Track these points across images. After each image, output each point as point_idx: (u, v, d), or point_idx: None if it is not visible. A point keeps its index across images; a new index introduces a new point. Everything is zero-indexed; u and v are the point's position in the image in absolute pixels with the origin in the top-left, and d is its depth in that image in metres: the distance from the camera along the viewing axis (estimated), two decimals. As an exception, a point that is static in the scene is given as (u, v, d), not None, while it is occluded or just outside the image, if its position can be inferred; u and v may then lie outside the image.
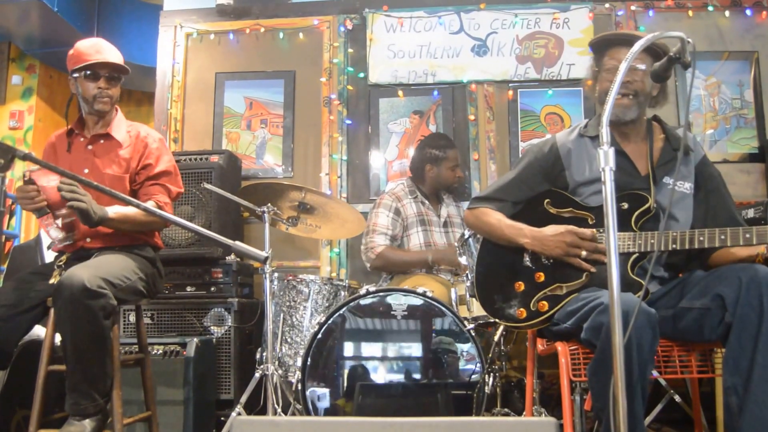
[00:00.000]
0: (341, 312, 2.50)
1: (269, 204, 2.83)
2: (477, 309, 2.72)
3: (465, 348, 2.45)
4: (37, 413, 2.00)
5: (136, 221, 2.27)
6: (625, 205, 1.89)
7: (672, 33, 1.55)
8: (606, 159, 1.41)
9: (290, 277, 2.95)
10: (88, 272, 1.98)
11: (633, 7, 3.92)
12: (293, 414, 2.77)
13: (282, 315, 2.92)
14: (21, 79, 5.42)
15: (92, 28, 5.04)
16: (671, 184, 1.93)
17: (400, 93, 3.99)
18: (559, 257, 1.90)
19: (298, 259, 3.91)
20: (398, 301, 2.51)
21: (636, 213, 1.88)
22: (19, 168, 3.77)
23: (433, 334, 2.47)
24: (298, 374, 2.52)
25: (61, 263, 2.27)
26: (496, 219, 2.03)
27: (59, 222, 2.15)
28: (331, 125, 4.01)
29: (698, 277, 1.83)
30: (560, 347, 1.83)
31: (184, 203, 3.31)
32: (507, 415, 2.67)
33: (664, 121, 2.09)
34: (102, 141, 2.40)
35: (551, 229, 1.92)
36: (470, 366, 2.42)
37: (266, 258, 1.87)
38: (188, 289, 3.25)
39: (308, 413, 2.41)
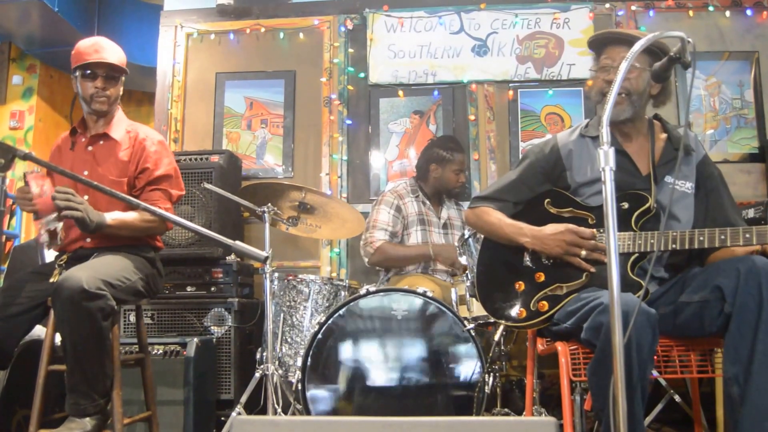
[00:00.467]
0: (341, 312, 2.50)
1: (269, 204, 2.83)
2: (477, 309, 2.72)
3: (465, 348, 2.44)
4: (38, 413, 2.00)
5: (134, 227, 2.26)
6: (626, 205, 1.89)
7: (672, 33, 1.55)
8: (606, 159, 1.41)
9: (290, 277, 2.95)
10: (86, 274, 1.98)
11: (633, 7, 3.92)
12: (293, 414, 2.77)
13: (282, 315, 2.92)
14: (21, 79, 5.41)
15: (93, 28, 5.04)
16: (672, 183, 1.92)
17: (401, 93, 3.99)
18: (559, 256, 1.90)
19: (299, 259, 3.91)
20: (398, 301, 2.51)
21: (636, 213, 1.88)
22: (20, 168, 3.78)
23: (433, 335, 2.47)
24: (298, 374, 2.51)
25: (61, 263, 2.27)
26: (497, 218, 2.03)
27: (47, 228, 2.12)
28: (331, 125, 4.01)
29: (696, 272, 1.83)
30: (560, 347, 1.83)
31: (185, 203, 3.31)
32: (507, 414, 2.67)
33: (665, 120, 2.08)
34: (101, 141, 2.39)
35: (551, 228, 1.92)
36: (470, 366, 2.42)
37: (266, 258, 1.88)
38: (188, 289, 3.25)
39: (308, 413, 2.41)
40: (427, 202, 3.39)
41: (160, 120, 4.10)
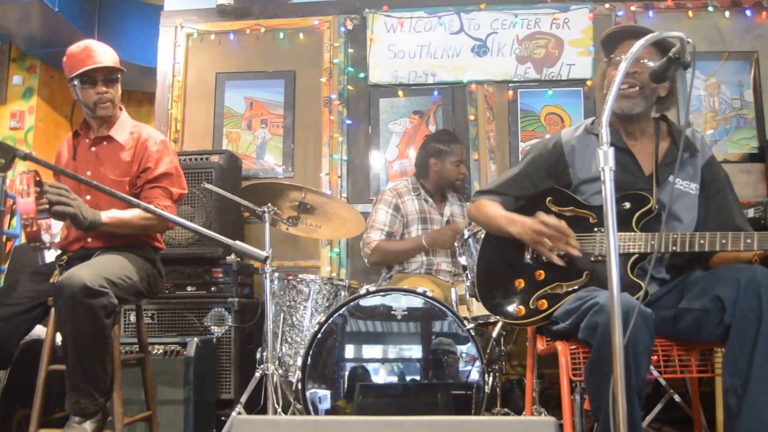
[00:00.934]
0: (341, 312, 2.50)
1: (269, 204, 2.84)
2: (477, 309, 2.73)
3: (465, 348, 2.45)
4: (38, 412, 2.00)
5: (133, 225, 2.26)
6: (627, 205, 1.88)
7: (672, 33, 1.55)
8: (605, 159, 1.41)
9: (290, 277, 2.96)
10: (89, 272, 1.98)
11: (633, 8, 3.93)
12: (293, 414, 2.77)
13: (282, 315, 2.92)
14: (22, 80, 5.41)
15: (93, 28, 5.04)
16: (676, 184, 1.91)
17: (400, 93, 3.99)
18: (532, 246, 1.92)
19: (299, 258, 3.91)
20: (398, 301, 2.51)
21: (637, 213, 1.87)
22: (20, 168, 3.78)
23: (433, 334, 2.47)
24: (298, 374, 2.52)
25: (62, 263, 2.28)
26: (494, 210, 2.03)
27: (25, 230, 2.05)
28: (331, 125, 4.01)
29: (697, 278, 1.82)
30: (560, 347, 1.83)
31: (185, 203, 3.31)
32: (507, 414, 2.68)
33: (671, 121, 2.06)
34: (104, 143, 2.39)
35: (530, 218, 1.92)
36: (470, 366, 2.42)
37: (266, 258, 1.88)
38: (189, 288, 3.25)
39: (308, 413, 2.42)
40: (429, 200, 3.39)
41: (160, 120, 4.10)
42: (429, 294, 2.52)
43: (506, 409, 2.72)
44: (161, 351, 2.73)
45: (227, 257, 3.32)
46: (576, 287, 1.87)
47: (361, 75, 4.03)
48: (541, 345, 2.06)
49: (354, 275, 3.84)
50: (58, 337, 2.08)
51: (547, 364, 2.96)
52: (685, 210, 1.93)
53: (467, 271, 2.67)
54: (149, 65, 4.51)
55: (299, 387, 2.47)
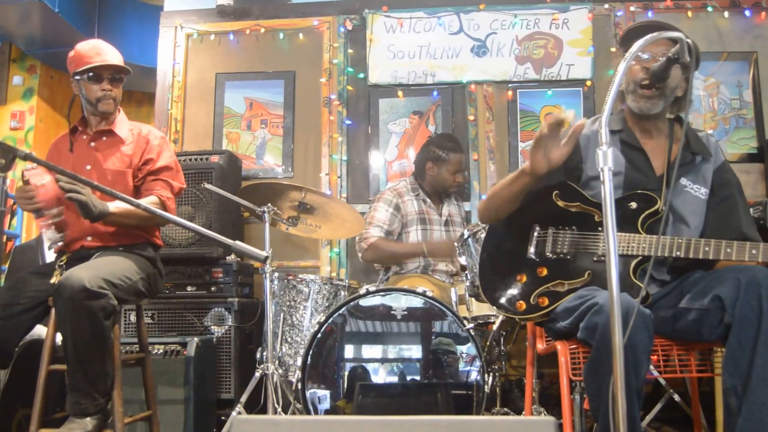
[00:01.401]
0: (341, 312, 2.51)
1: (269, 204, 2.84)
2: (477, 309, 2.73)
3: (464, 348, 2.45)
4: (38, 412, 2.00)
5: (138, 215, 2.27)
6: (634, 205, 1.86)
7: (671, 33, 1.55)
8: (605, 159, 1.41)
9: (290, 277, 2.96)
10: (88, 273, 1.99)
11: (632, 8, 3.94)
12: (293, 413, 2.77)
13: (282, 315, 2.92)
14: (22, 80, 5.42)
15: (93, 28, 5.05)
16: (687, 187, 1.90)
17: (400, 93, 4.00)
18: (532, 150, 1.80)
19: (298, 258, 3.92)
20: (398, 301, 2.51)
21: (644, 214, 1.85)
22: (21, 169, 3.78)
23: (433, 334, 2.48)
24: (298, 374, 2.52)
25: (62, 263, 2.28)
26: (497, 183, 1.97)
27: (51, 221, 2.14)
28: (331, 125, 4.02)
29: (697, 278, 1.81)
30: (559, 346, 1.83)
31: (185, 203, 3.32)
32: (506, 414, 2.68)
33: (687, 124, 2.04)
34: (104, 138, 2.42)
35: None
36: (470, 365, 2.42)
37: (266, 258, 1.88)
38: (189, 288, 3.25)
39: (308, 412, 2.42)
40: (428, 200, 3.39)
41: (160, 120, 4.11)
42: (429, 294, 2.52)
43: (506, 409, 2.73)
44: (161, 351, 2.73)
45: (227, 257, 3.32)
46: (577, 286, 1.85)
47: (361, 75, 4.04)
48: (540, 345, 2.06)
49: (354, 275, 3.85)
50: (59, 337, 2.08)
51: (547, 364, 2.96)
52: (693, 214, 1.91)
53: (467, 271, 2.67)
54: (149, 65, 4.51)
55: (299, 387, 2.47)
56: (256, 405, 2.89)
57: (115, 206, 2.18)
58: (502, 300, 1.93)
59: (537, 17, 3.96)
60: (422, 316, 2.50)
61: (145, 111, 6.02)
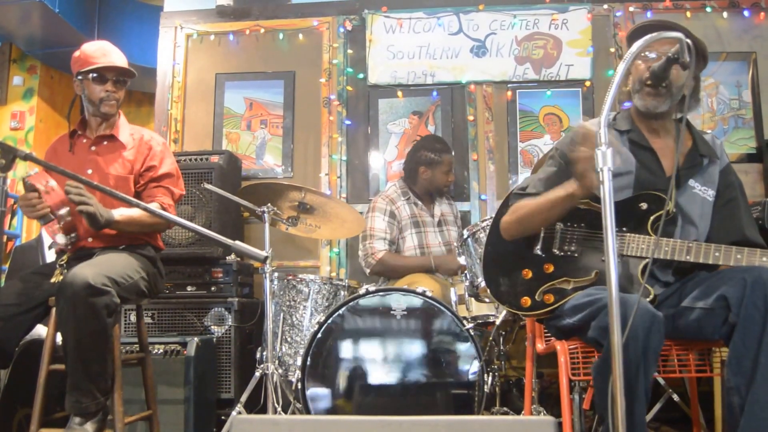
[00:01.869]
0: (341, 311, 2.51)
1: (269, 204, 2.84)
2: (476, 308, 2.73)
3: (464, 347, 2.46)
4: (39, 412, 2.01)
5: (141, 223, 2.29)
6: (644, 206, 1.84)
7: (671, 33, 1.56)
8: (605, 159, 1.41)
9: (290, 277, 2.97)
10: (92, 270, 1.99)
11: (631, 8, 3.94)
12: (293, 413, 2.78)
13: (282, 314, 2.93)
14: (22, 80, 5.42)
15: (93, 29, 5.05)
16: (696, 188, 1.89)
17: (400, 94, 4.00)
18: (582, 173, 1.70)
19: (298, 258, 3.92)
20: (398, 301, 2.52)
21: (654, 215, 1.84)
22: (21, 169, 3.78)
23: (433, 334, 2.48)
24: (298, 373, 2.52)
25: (62, 263, 2.28)
26: (530, 200, 1.90)
27: (60, 223, 2.15)
28: (330, 126, 4.02)
29: (701, 278, 1.81)
30: (559, 346, 1.83)
31: (185, 203, 3.33)
32: (506, 414, 2.68)
33: (692, 125, 2.03)
34: (105, 142, 2.41)
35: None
36: (469, 365, 2.43)
37: (266, 258, 1.88)
38: (189, 288, 3.26)
39: (308, 412, 2.42)
40: (419, 203, 3.41)
41: (160, 120, 4.11)
42: (428, 294, 2.53)
43: (505, 409, 2.73)
44: (161, 351, 2.74)
45: (227, 257, 3.32)
46: (584, 284, 1.84)
47: (361, 75, 4.04)
48: (540, 344, 2.06)
49: (353, 275, 3.85)
50: (59, 337, 2.08)
51: (546, 364, 2.96)
52: (701, 216, 1.91)
53: (466, 271, 2.68)
54: (149, 66, 4.52)
55: (299, 386, 2.48)
56: (256, 405, 2.90)
57: (119, 214, 2.19)
58: (507, 295, 1.92)
59: (536, 18, 3.97)
60: (422, 315, 2.50)
61: (145, 111, 6.02)
